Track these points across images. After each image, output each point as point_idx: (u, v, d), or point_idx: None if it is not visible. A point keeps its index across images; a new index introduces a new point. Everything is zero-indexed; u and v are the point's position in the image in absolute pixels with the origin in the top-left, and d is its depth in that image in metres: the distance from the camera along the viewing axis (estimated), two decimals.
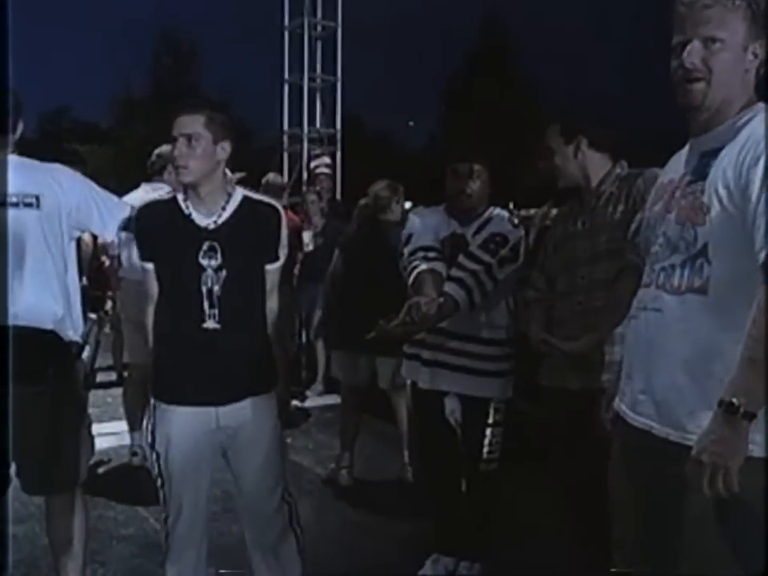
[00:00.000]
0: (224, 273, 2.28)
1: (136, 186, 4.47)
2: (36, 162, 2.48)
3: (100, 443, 4.53)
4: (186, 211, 2.34)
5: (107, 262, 4.44)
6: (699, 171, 1.62)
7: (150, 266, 2.39)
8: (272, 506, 2.47)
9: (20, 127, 2.47)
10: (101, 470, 4.29)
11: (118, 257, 3.91)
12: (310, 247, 6.07)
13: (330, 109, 8.97)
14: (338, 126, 8.96)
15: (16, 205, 2.37)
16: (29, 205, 2.39)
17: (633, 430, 1.69)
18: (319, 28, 8.86)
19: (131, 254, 4.17)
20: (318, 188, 6.31)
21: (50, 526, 2.56)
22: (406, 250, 2.99)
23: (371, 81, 43.58)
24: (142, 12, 63.13)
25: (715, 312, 1.53)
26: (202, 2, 50.38)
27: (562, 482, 2.54)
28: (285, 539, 2.52)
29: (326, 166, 6.70)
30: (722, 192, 1.54)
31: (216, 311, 2.28)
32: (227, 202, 2.36)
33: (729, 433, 1.43)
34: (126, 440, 4.41)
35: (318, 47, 8.88)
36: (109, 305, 5.57)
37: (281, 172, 10.86)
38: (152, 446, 2.41)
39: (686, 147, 1.75)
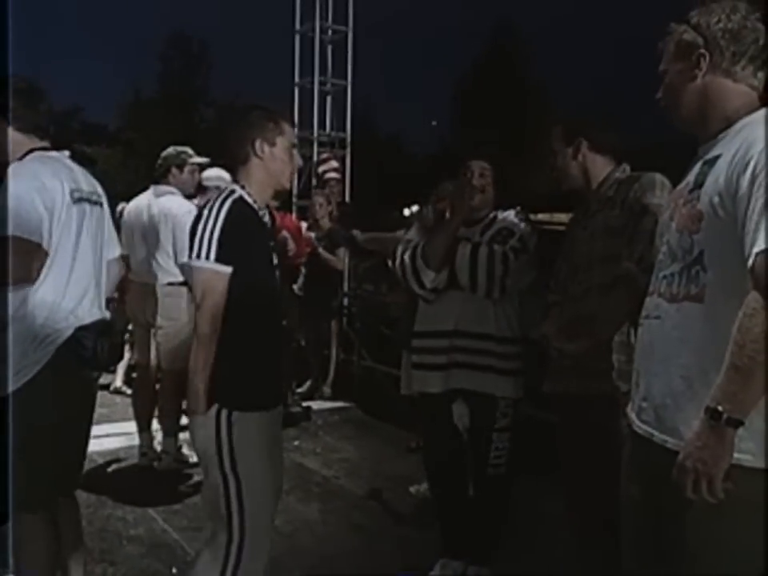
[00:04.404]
0: (278, 272, 2.35)
1: (145, 188, 4.49)
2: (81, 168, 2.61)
3: (110, 443, 4.61)
4: (260, 213, 2.32)
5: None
6: (698, 179, 1.63)
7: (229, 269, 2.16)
8: None
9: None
10: (110, 470, 4.32)
11: (127, 257, 3.92)
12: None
13: (341, 112, 8.97)
14: (348, 129, 8.94)
15: (97, 203, 2.55)
16: (100, 204, 2.57)
17: (638, 437, 1.70)
18: (330, 32, 8.85)
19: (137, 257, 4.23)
20: (326, 191, 6.28)
21: (62, 523, 2.54)
22: (399, 250, 3.02)
23: (382, 85, 43.70)
24: (151, 14, 63.51)
25: (710, 320, 1.54)
26: (213, 5, 50.58)
27: (567, 486, 2.54)
28: None
29: (335, 170, 6.67)
30: (716, 199, 1.55)
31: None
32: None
33: (713, 440, 1.43)
34: (135, 440, 4.42)
35: (328, 51, 8.87)
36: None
37: None
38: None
39: None
